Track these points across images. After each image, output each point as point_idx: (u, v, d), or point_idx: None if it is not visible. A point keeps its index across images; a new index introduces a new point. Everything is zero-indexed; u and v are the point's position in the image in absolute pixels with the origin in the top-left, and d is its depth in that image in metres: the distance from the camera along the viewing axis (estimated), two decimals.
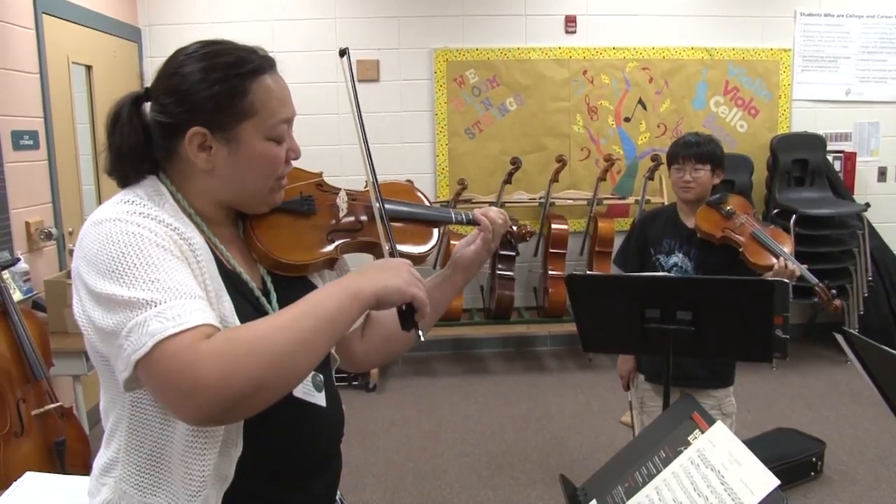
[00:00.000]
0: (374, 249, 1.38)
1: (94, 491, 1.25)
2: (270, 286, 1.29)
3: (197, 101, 1.18)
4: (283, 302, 1.27)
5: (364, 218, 1.39)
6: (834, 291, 2.58)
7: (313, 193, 1.39)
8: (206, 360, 0.99)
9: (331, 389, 1.36)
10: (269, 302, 1.28)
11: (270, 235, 1.29)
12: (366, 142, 1.35)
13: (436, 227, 1.47)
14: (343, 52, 1.35)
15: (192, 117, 1.18)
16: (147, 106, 1.25)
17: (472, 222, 1.49)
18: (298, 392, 1.26)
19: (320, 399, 1.31)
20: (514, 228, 1.62)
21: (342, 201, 1.40)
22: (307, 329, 1.07)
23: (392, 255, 1.29)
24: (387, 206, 1.39)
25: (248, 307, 1.23)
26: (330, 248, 1.34)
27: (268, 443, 1.22)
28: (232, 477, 1.19)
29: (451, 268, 1.53)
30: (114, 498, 1.20)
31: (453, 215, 1.50)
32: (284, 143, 1.26)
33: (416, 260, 1.41)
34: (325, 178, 1.46)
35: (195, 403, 0.99)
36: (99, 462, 1.25)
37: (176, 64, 1.22)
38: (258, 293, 1.27)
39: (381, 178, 1.38)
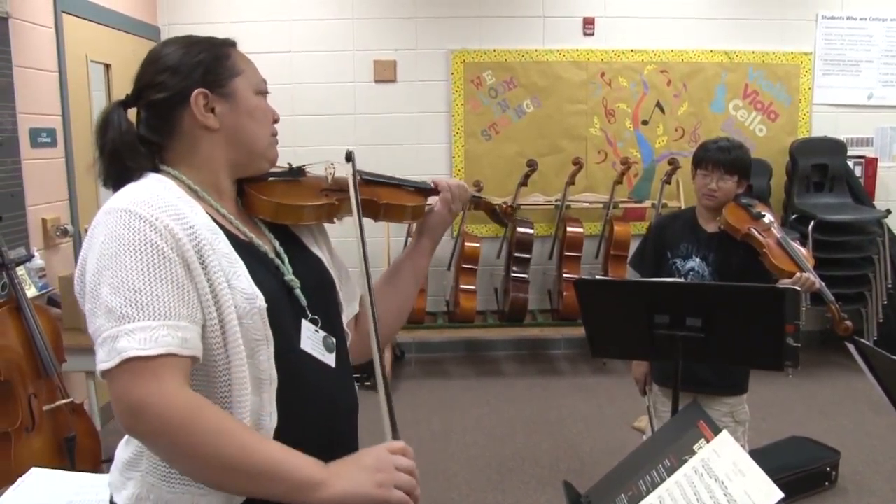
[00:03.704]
0: (370, 207, 1.47)
1: (118, 485, 1.27)
2: (280, 249, 1.36)
3: (190, 68, 1.30)
4: (296, 267, 1.36)
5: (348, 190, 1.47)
6: (846, 314, 2.58)
7: (301, 167, 1.49)
8: (163, 403, 1.08)
9: (342, 356, 1.40)
10: (284, 264, 1.34)
11: (270, 190, 1.38)
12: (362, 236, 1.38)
13: (420, 192, 1.57)
14: (349, 157, 1.44)
15: (191, 82, 1.29)
16: (131, 113, 1.33)
17: (433, 189, 1.60)
18: (306, 346, 1.31)
19: (330, 360, 1.35)
20: (500, 204, 1.75)
21: (330, 169, 1.48)
22: (252, 464, 1.11)
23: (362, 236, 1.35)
24: (366, 177, 1.51)
25: (267, 274, 1.29)
26: (327, 198, 1.42)
27: (293, 406, 1.26)
28: None
29: (417, 233, 1.63)
30: (142, 492, 1.22)
31: (421, 183, 1.62)
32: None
33: (406, 212, 1.52)
34: None
35: (132, 418, 1.10)
36: (122, 456, 1.27)
37: (156, 52, 1.34)
38: (271, 255, 1.33)
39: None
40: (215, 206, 1.30)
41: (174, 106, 1.29)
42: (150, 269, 1.13)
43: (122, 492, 1.25)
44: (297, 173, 1.46)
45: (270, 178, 1.41)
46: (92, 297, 1.14)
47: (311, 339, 1.32)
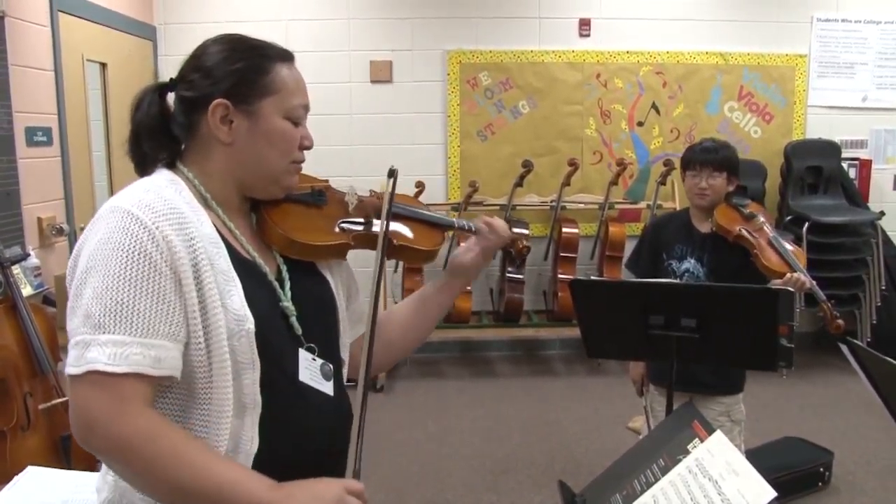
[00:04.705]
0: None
1: (100, 487, 1.26)
2: (285, 274, 1.32)
3: (221, 75, 1.26)
4: (297, 290, 1.32)
5: (371, 217, 1.44)
6: (837, 313, 2.58)
7: (324, 189, 1.45)
8: (122, 426, 1.07)
9: (339, 381, 1.38)
10: (283, 289, 1.31)
11: (284, 219, 1.34)
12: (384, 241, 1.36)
13: (440, 229, 1.53)
14: (392, 174, 1.38)
15: (216, 90, 1.25)
16: (170, 96, 1.31)
17: (473, 231, 1.55)
18: (305, 377, 1.29)
19: (328, 388, 1.33)
20: (516, 243, 1.67)
21: (351, 198, 1.45)
22: (205, 487, 1.09)
23: (384, 253, 1.35)
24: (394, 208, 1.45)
25: (264, 294, 1.26)
26: (342, 234, 1.39)
27: (279, 434, 1.24)
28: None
29: (450, 273, 1.57)
30: (114, 497, 1.21)
31: (455, 223, 1.57)
32: (300, 126, 1.32)
33: (419, 255, 1.48)
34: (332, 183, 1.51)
35: (87, 433, 1.09)
36: None
37: (203, 47, 1.31)
38: (272, 278, 1.30)
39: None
40: (223, 218, 1.27)
41: (197, 108, 1.26)
42: (137, 281, 1.11)
43: (101, 493, 1.25)
44: (318, 197, 1.41)
45: (289, 200, 1.37)
46: (75, 295, 1.13)
47: (309, 369, 1.30)
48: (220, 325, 1.16)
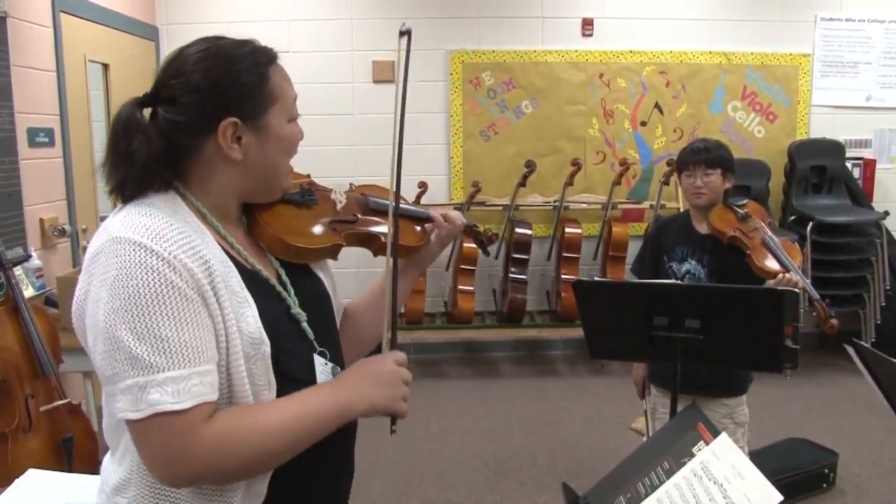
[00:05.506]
0: (373, 243, 1.45)
1: None
2: (285, 278, 1.31)
3: (226, 93, 1.18)
4: (300, 294, 1.31)
5: (358, 215, 1.46)
6: (832, 311, 2.56)
7: (312, 187, 1.43)
8: (200, 448, 1.07)
9: None
10: (288, 294, 1.29)
11: (278, 221, 1.33)
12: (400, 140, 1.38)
13: (419, 223, 1.55)
14: (404, 33, 1.36)
15: (223, 109, 1.18)
16: (148, 112, 1.22)
17: (427, 219, 1.55)
18: (321, 381, 1.27)
19: None
20: (481, 229, 1.72)
21: (339, 195, 1.45)
22: (295, 438, 1.15)
23: (394, 254, 1.34)
24: (373, 206, 1.48)
25: (272, 305, 1.24)
26: (334, 235, 1.39)
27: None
28: (264, 494, 1.19)
29: (405, 262, 1.55)
30: None
31: (412, 211, 1.57)
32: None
33: (411, 251, 1.50)
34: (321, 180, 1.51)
35: (172, 472, 1.09)
36: (110, 479, 1.22)
37: (191, 61, 1.20)
38: (278, 287, 1.28)
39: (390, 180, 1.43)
40: (223, 234, 1.23)
41: (198, 130, 1.19)
42: (174, 314, 1.07)
43: None
44: (308, 196, 1.40)
45: (281, 201, 1.35)
46: (107, 339, 1.07)
47: (323, 374, 1.28)
48: (238, 349, 1.14)
